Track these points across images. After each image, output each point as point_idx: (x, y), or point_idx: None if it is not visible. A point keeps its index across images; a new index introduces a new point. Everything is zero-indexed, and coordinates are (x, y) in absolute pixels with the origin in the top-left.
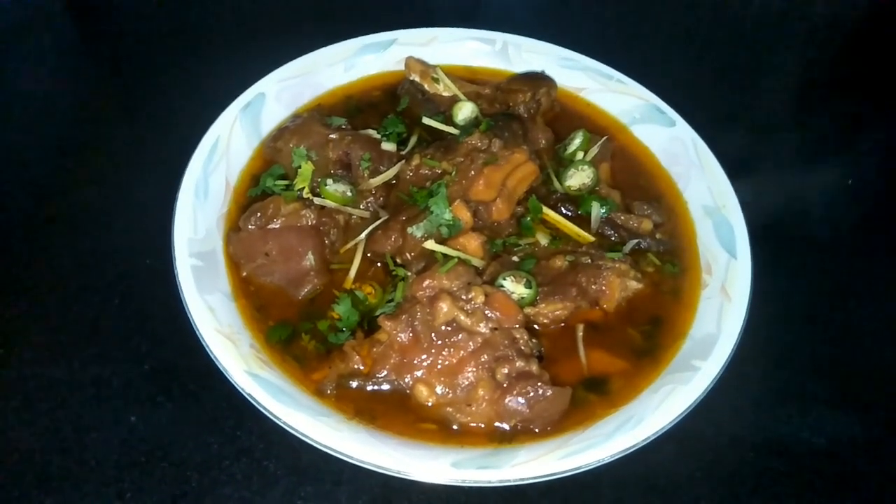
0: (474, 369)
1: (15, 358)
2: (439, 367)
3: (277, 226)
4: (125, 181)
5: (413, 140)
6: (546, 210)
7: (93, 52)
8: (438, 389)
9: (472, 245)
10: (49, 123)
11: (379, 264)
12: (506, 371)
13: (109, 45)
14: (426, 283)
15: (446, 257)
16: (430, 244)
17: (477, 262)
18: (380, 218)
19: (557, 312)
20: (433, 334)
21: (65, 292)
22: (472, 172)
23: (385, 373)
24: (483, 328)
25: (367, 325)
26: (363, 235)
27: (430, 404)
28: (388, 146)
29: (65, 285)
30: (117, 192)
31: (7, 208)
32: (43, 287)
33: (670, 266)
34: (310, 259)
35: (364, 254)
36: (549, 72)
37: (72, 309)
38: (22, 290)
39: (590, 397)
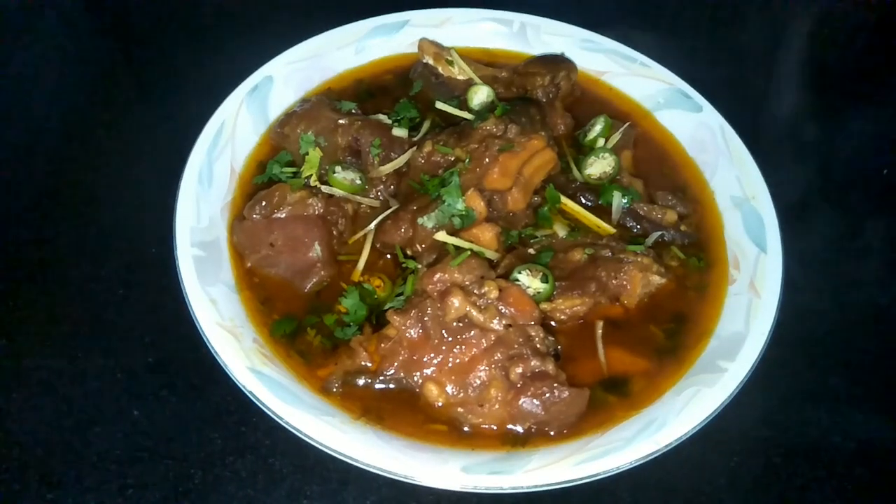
0: (487, 368)
1: (17, 349)
2: (450, 365)
3: (283, 215)
4: (133, 167)
5: (426, 126)
6: (564, 200)
7: (102, 35)
8: (449, 389)
9: (486, 236)
10: (56, 108)
11: (388, 256)
12: (520, 370)
13: (119, 27)
14: (437, 276)
15: (458, 249)
16: (442, 235)
17: (491, 255)
18: (390, 207)
19: (576, 308)
20: (444, 331)
21: (69, 282)
22: (487, 160)
23: (393, 370)
24: (496, 325)
25: (376, 319)
26: (372, 226)
27: (439, 404)
28: (400, 132)
29: (69, 274)
30: (125, 179)
31: (12, 194)
32: (47, 276)
33: (695, 260)
34: (316, 250)
35: (373, 245)
36: (570, 54)
37: (75, 299)
38: (25, 279)
39: (609, 399)
